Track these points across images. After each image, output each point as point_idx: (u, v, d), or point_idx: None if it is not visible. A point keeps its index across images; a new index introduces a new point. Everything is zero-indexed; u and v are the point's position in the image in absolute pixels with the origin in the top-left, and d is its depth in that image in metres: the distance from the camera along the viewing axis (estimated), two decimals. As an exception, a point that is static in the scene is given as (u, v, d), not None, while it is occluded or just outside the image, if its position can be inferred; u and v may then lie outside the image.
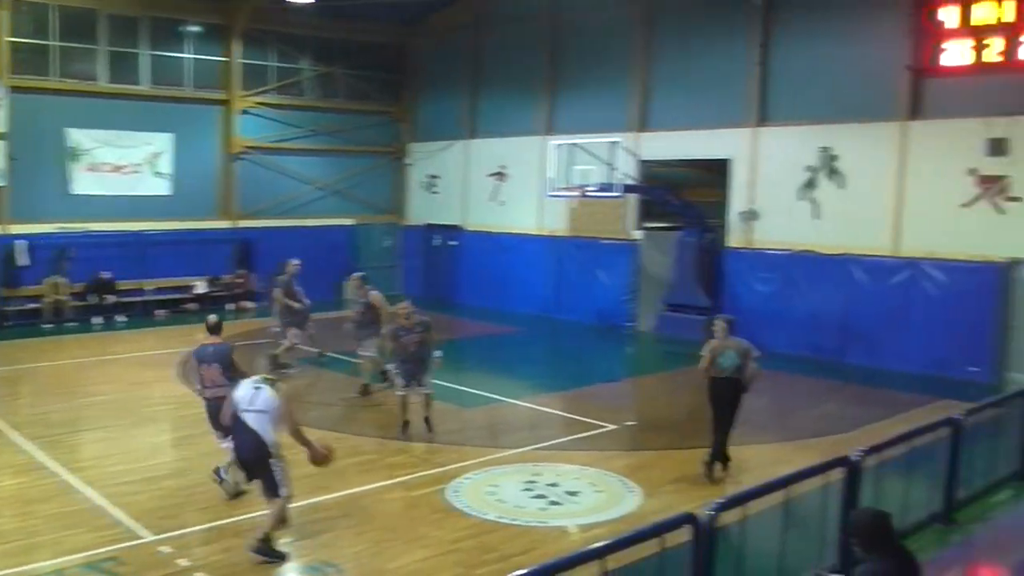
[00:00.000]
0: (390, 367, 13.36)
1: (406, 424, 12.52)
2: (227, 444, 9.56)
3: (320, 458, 9.02)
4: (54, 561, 8.27)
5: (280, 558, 8.44)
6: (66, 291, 21.77)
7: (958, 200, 16.61)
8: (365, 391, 14.84)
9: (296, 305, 16.40)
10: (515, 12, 24.98)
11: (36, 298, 21.60)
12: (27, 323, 21.08)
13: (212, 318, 10.97)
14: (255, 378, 8.93)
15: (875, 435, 11.30)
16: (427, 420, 12.41)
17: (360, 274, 15.61)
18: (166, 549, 8.59)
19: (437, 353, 12.55)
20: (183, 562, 8.32)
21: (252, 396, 8.70)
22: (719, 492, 10.13)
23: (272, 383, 8.82)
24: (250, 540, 8.46)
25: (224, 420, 9.09)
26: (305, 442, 8.80)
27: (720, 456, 10.99)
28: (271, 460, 8.61)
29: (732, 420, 10.97)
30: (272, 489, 8.60)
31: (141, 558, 8.40)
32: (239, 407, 8.72)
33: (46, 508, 9.65)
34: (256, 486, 8.93)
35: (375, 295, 14.97)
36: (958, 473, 8.57)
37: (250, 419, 8.62)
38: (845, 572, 6.81)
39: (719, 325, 11.05)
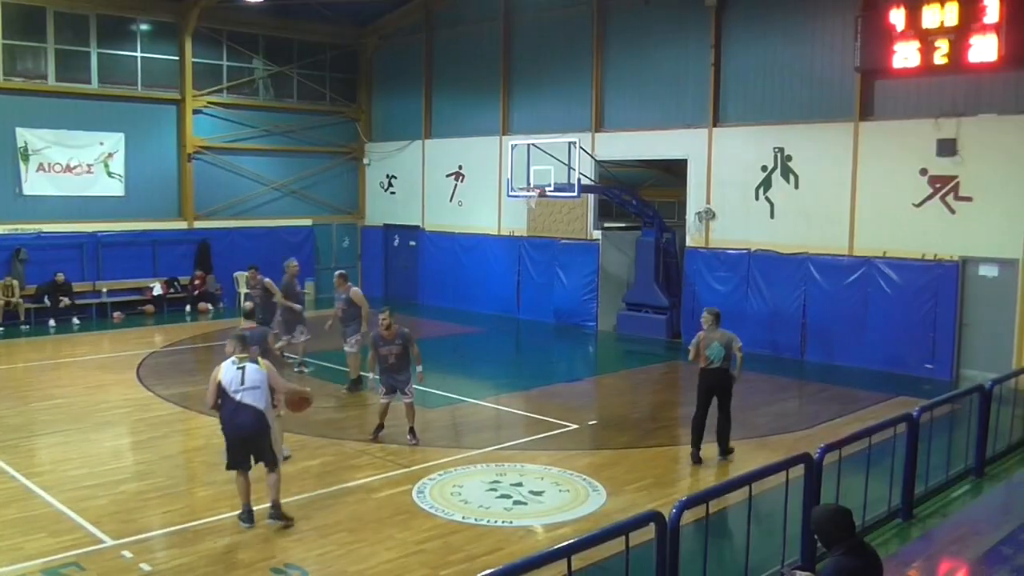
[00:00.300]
0: (368, 375, 13.22)
1: (379, 428, 12.42)
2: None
3: (302, 402, 9.68)
4: (13, 567, 8.16)
5: (289, 521, 9.23)
6: (20, 293, 21.42)
7: (911, 199, 16.91)
8: (356, 385, 15.24)
9: (297, 306, 16.41)
10: (468, 13, 25.02)
11: (-13, 300, 21.26)
12: (-23, 326, 20.74)
13: (247, 305, 12.47)
14: (232, 359, 9.24)
15: (834, 432, 11.57)
16: (411, 430, 12.25)
17: (341, 271, 16.14)
18: (128, 554, 8.51)
19: (419, 368, 12.41)
20: (145, 566, 8.24)
21: (239, 376, 9.09)
22: (683, 490, 10.27)
23: (252, 359, 9.26)
24: (269, 511, 9.23)
25: (208, 402, 9.38)
26: (293, 391, 9.66)
27: (697, 455, 11.51)
28: (270, 431, 9.23)
29: (727, 410, 11.57)
30: (273, 461, 9.24)
31: (102, 563, 8.31)
32: (229, 390, 9.05)
33: (4, 513, 9.52)
34: (242, 471, 9.28)
35: (356, 291, 15.43)
36: (916, 469, 8.73)
37: (246, 397, 9.05)
38: (810, 568, 6.94)
39: (706, 317, 11.63)
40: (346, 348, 15.40)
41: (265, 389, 9.10)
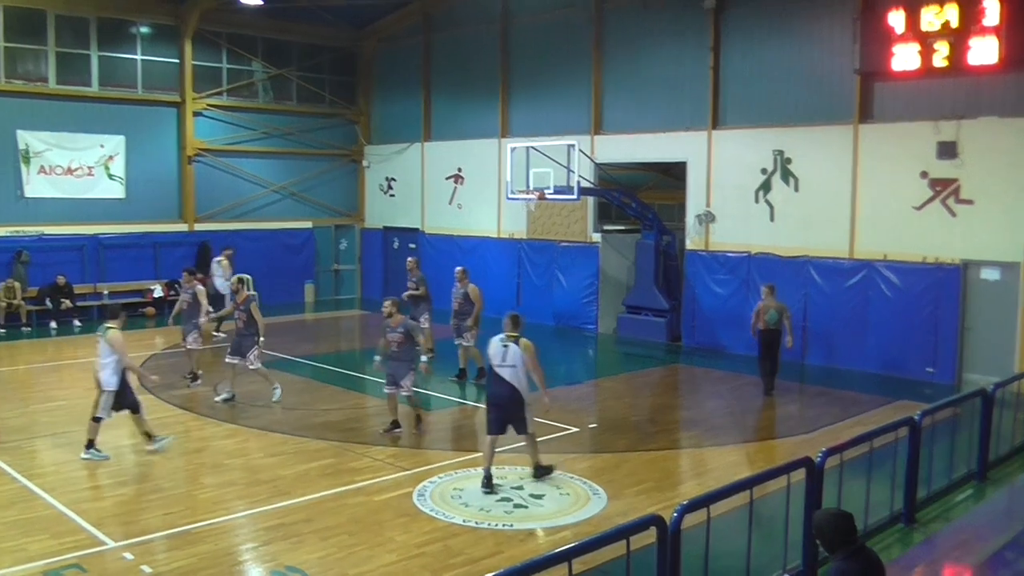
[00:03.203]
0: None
1: (393, 424, 12.75)
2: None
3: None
4: (14, 568, 8.17)
5: (550, 470, 10.81)
6: (22, 295, 21.42)
7: (911, 202, 16.90)
8: (481, 375, 15.77)
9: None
10: (466, 15, 25.05)
11: (-11, 303, 21.26)
12: (-21, 328, 20.71)
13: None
14: (501, 336, 10.46)
15: (835, 436, 11.55)
16: (417, 418, 12.90)
17: (463, 267, 16.80)
18: (129, 556, 8.52)
19: (424, 358, 12.79)
20: (146, 568, 8.24)
21: (502, 352, 10.38)
22: (684, 494, 10.25)
23: (516, 339, 10.37)
24: (532, 471, 10.73)
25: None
26: (542, 384, 10.70)
27: (770, 388, 15.38)
28: (524, 405, 10.41)
29: (776, 360, 15.44)
30: (524, 427, 10.53)
31: (104, 565, 8.32)
32: (493, 362, 10.41)
33: (5, 515, 9.53)
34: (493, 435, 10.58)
35: (473, 287, 16.19)
36: (918, 473, 8.70)
37: (504, 372, 10.35)
38: (811, 573, 6.93)
39: (765, 291, 15.40)
40: (460, 342, 16.13)
41: (522, 367, 10.30)
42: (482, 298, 16.33)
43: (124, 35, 23.76)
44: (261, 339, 14.57)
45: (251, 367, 14.45)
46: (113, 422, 13.39)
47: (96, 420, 11.59)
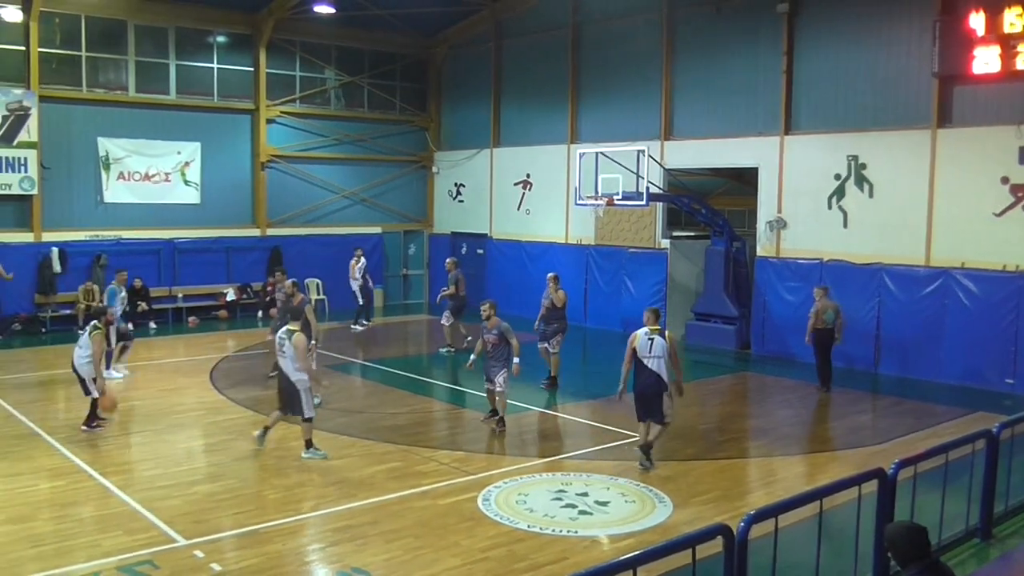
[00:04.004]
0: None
1: (492, 412, 13.47)
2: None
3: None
4: (89, 564, 8.37)
5: (651, 465, 11.29)
6: (100, 298, 22.00)
7: (991, 209, 16.43)
8: (552, 381, 16.40)
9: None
10: (537, 22, 25.08)
11: (70, 304, 21.90)
12: (61, 329, 21.33)
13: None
14: (646, 330, 11.25)
15: (909, 447, 11.29)
16: (500, 419, 13.25)
17: (554, 273, 17.22)
18: (199, 553, 8.67)
19: (515, 360, 13.05)
20: (216, 566, 8.38)
21: (649, 344, 11.13)
22: (751, 503, 10.10)
23: (660, 332, 11.15)
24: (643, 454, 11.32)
25: (624, 366, 11.48)
26: (679, 374, 11.52)
27: (827, 385, 16.02)
28: (664, 394, 11.16)
29: (829, 358, 16.03)
30: (660, 416, 11.25)
31: (175, 562, 8.47)
32: (640, 354, 11.16)
33: (81, 511, 9.80)
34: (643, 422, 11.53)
35: (561, 294, 16.58)
36: (995, 487, 8.44)
37: (651, 363, 11.11)
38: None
39: (819, 292, 16.05)
40: (544, 346, 16.44)
41: (666, 358, 11.07)
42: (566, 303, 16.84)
43: (201, 44, 24.33)
44: (314, 342, 14.58)
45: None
46: (186, 421, 13.76)
47: (308, 420, 11.79)
